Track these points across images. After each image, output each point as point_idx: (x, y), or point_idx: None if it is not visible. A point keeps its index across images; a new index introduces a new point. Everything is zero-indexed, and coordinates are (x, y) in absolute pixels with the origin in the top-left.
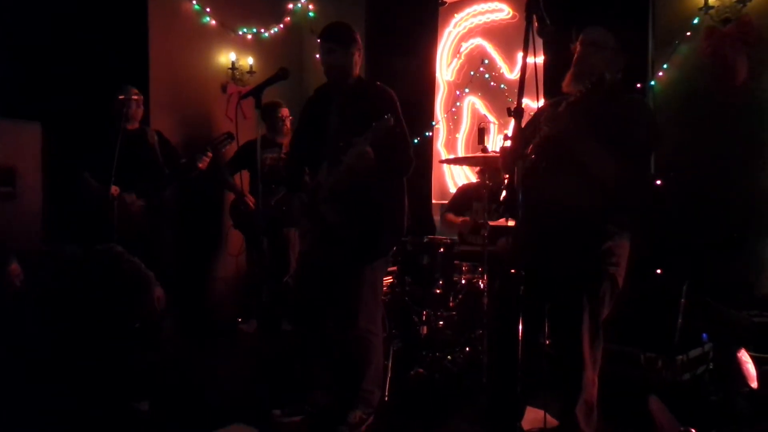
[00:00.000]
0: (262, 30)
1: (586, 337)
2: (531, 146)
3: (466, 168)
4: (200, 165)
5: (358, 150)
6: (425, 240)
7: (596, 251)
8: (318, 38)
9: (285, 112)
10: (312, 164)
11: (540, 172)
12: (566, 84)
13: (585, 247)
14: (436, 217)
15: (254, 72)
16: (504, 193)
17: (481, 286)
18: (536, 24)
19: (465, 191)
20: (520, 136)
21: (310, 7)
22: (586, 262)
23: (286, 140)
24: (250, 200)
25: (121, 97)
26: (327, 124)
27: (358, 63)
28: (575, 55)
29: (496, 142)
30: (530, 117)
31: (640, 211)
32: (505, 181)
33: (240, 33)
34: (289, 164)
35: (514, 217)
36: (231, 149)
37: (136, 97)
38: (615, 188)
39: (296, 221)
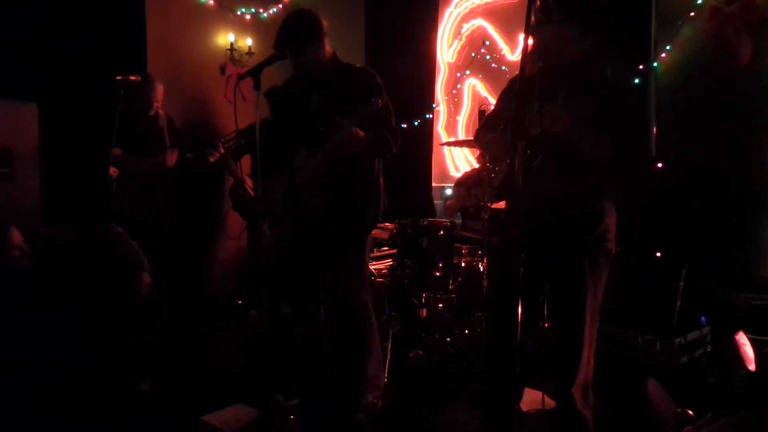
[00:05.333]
0: (261, 10)
1: (588, 316)
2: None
3: (466, 150)
4: (211, 159)
5: (345, 130)
6: (425, 223)
7: (594, 231)
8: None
9: None
10: (290, 146)
11: (535, 165)
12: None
13: (584, 229)
14: (437, 200)
15: (253, 53)
16: (499, 175)
17: (481, 269)
18: (538, 4)
19: (461, 182)
20: (522, 117)
21: None
22: (586, 243)
23: None
24: (249, 186)
25: (119, 77)
26: (307, 106)
27: (324, 47)
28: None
29: None
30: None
31: (627, 187)
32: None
33: (238, 13)
34: (273, 143)
35: (512, 199)
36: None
37: (133, 78)
38: (603, 169)
39: (274, 204)
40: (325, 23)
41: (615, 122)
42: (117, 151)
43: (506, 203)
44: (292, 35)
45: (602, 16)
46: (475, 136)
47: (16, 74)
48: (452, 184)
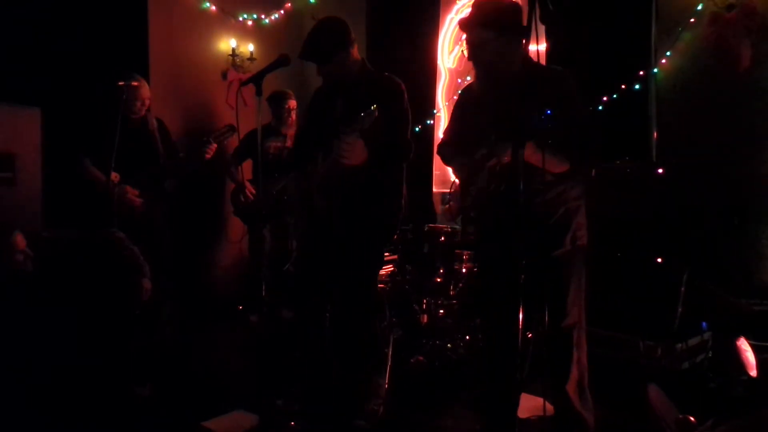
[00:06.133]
0: (263, 16)
1: (575, 313)
2: (481, 158)
3: None
4: (206, 155)
5: (344, 141)
6: (426, 228)
7: (566, 233)
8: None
9: (292, 103)
10: (312, 150)
11: (502, 188)
12: (476, 86)
13: (557, 234)
14: (437, 206)
15: (255, 59)
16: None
17: None
18: (538, 10)
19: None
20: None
21: None
22: (560, 246)
23: (291, 131)
24: (250, 191)
25: (120, 83)
26: (332, 111)
27: (353, 54)
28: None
29: None
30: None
31: (587, 182)
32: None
33: (240, 19)
34: (296, 147)
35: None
36: (233, 140)
37: (136, 83)
38: (568, 177)
39: (292, 205)
40: (351, 31)
41: (574, 140)
42: (115, 175)
43: (478, 219)
44: (317, 46)
45: (518, 21)
46: (439, 150)
47: (19, 80)
48: (452, 189)
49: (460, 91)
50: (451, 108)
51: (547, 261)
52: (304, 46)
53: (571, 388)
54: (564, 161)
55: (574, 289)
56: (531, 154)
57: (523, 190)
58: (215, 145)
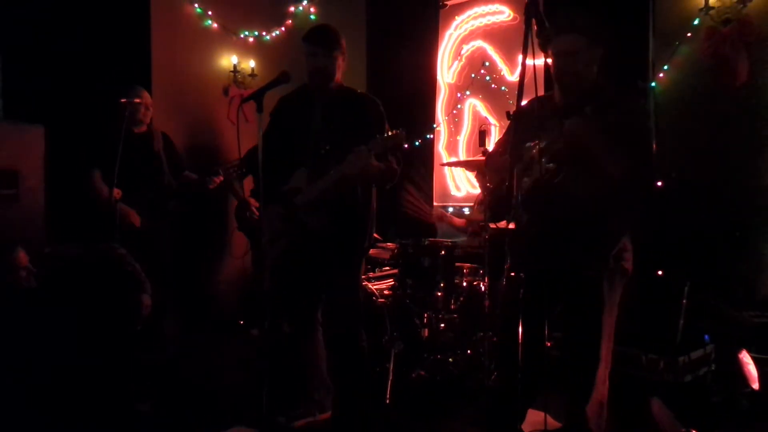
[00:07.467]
0: (264, 33)
1: (605, 333)
2: (539, 151)
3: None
4: (210, 186)
5: (364, 159)
6: (426, 243)
7: (612, 249)
8: (302, 40)
9: None
10: (285, 167)
11: (557, 179)
12: (557, 97)
13: (602, 246)
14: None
15: (256, 75)
16: (494, 196)
17: (482, 288)
18: (536, 26)
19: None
20: (518, 139)
21: (312, 9)
22: (606, 260)
23: None
24: (254, 206)
25: (123, 100)
26: (307, 128)
27: (341, 67)
28: (553, 67)
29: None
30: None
31: (642, 208)
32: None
33: (242, 36)
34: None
35: (513, 220)
36: (235, 155)
37: (138, 100)
38: (622, 189)
39: (268, 228)
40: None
41: (634, 142)
42: (117, 191)
43: (518, 221)
44: (325, 32)
45: (606, 27)
46: (487, 160)
47: (23, 97)
48: (454, 204)
49: (523, 104)
50: (450, 122)
51: (588, 273)
52: (313, 31)
53: (592, 408)
54: (620, 160)
55: (608, 308)
56: (584, 133)
57: (578, 182)
58: (222, 177)
